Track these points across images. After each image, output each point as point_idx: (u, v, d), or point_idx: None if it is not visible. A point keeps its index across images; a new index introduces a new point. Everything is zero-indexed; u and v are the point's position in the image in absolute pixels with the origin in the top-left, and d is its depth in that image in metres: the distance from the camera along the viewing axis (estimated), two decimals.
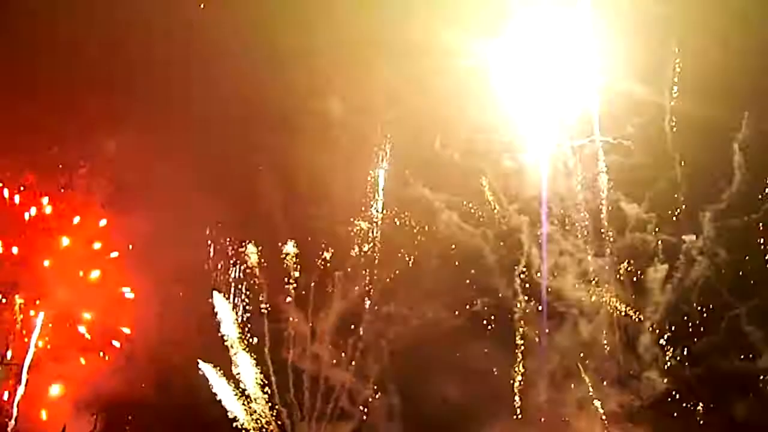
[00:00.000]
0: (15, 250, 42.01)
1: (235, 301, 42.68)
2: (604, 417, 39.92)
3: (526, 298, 41.96)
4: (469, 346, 41.14)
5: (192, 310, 42.00)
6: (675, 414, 39.86)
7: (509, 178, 41.83)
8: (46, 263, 42.11)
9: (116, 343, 42.74)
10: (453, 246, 42.89)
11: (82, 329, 42.33)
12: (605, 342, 40.99)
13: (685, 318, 40.79)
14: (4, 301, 40.98)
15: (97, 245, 43.48)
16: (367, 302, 42.49)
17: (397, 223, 43.08)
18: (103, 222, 43.66)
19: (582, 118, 40.45)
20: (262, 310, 42.38)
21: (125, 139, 41.38)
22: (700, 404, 40.09)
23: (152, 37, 40.33)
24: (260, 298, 42.60)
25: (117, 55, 41.15)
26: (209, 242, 43.55)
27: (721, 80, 37.52)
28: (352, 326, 42.36)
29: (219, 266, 43.49)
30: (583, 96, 39.80)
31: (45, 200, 43.40)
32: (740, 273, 40.65)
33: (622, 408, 39.85)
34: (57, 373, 40.39)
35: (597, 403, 40.06)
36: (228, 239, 43.77)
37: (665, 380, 40.25)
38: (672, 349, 40.55)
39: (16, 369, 39.60)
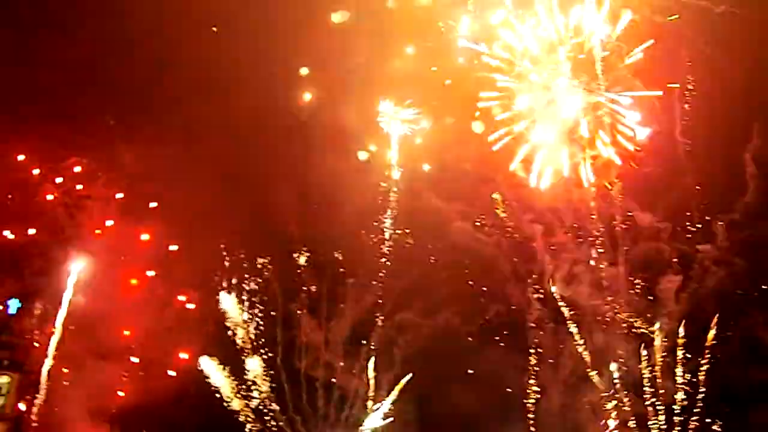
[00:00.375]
0: (31, 231, 34.99)
1: (250, 310, 42.71)
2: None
3: (540, 307, 42.02)
4: (482, 355, 41.18)
5: (206, 319, 42.13)
6: (691, 425, 39.46)
7: (522, 189, 42.00)
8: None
9: (172, 373, 37.07)
10: (466, 257, 43.05)
11: (134, 359, 35.74)
12: (619, 351, 40.76)
13: (700, 327, 40.50)
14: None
15: (144, 236, 36.44)
16: (380, 312, 42.55)
17: (410, 242, 43.14)
18: (153, 204, 36.92)
19: (595, 128, 40.65)
20: (276, 319, 42.41)
21: (141, 151, 41.25)
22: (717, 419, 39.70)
23: (168, 54, 41.14)
24: (272, 312, 42.62)
25: (133, 69, 42.03)
26: (224, 253, 43.65)
27: (733, 91, 37.75)
28: (363, 340, 42.37)
29: (233, 277, 43.56)
30: (596, 106, 40.01)
31: (77, 168, 35.03)
32: (755, 282, 40.53)
33: (636, 418, 39.52)
34: (75, 381, 39.49)
35: (611, 412, 39.81)
36: (242, 252, 43.78)
37: (680, 390, 39.94)
38: (687, 358, 40.22)
39: (34, 377, 38.72)
